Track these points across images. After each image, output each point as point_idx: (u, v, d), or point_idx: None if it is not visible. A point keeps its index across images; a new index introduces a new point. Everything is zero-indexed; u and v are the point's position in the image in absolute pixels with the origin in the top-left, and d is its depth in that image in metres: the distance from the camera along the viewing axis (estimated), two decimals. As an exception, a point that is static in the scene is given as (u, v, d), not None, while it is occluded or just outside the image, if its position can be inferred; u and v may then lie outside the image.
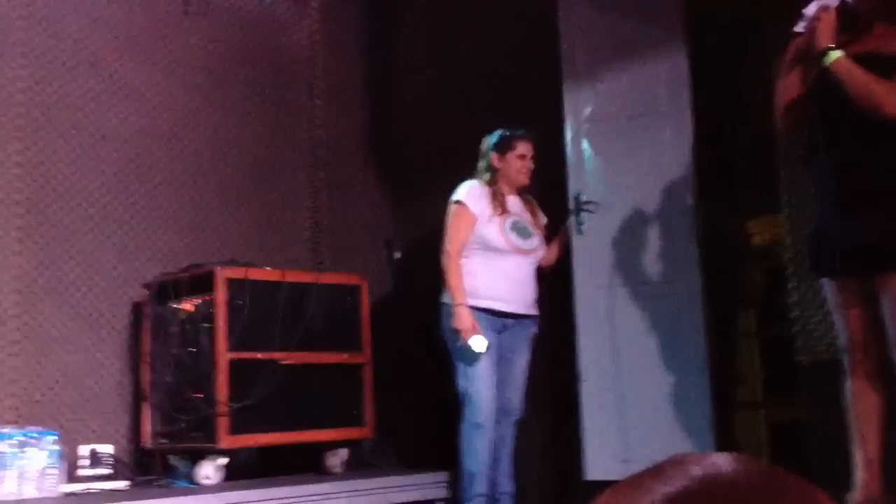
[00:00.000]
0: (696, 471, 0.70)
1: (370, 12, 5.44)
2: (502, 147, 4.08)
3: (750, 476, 0.70)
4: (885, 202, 2.88)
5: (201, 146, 4.87)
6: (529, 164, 4.09)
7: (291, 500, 3.83)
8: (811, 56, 3.00)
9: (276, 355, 4.15)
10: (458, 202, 4.03)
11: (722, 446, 4.08)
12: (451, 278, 3.94)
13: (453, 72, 5.00)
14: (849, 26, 2.98)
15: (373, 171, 5.34)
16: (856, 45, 2.96)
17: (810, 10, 3.00)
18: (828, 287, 3.16)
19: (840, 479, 3.12)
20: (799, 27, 3.03)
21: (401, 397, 4.76)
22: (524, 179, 4.10)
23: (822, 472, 3.47)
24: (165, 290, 4.24)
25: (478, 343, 3.85)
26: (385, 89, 5.36)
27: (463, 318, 3.87)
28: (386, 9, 5.42)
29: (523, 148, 4.08)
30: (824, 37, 2.92)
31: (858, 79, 2.87)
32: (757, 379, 5.01)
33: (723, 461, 0.71)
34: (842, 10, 2.98)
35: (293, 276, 4.35)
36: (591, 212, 4.29)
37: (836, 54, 2.89)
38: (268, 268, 4.38)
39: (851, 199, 2.94)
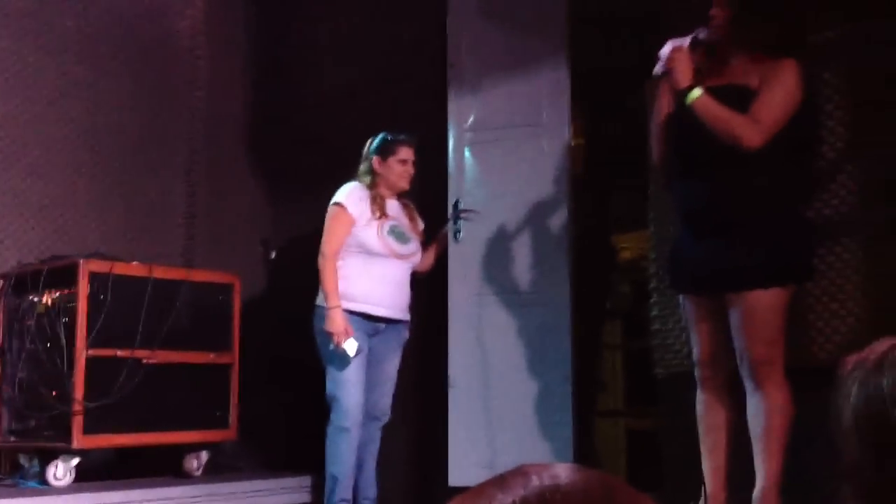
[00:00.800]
0: (536, 481, 0.72)
1: (259, 8, 5.36)
2: (384, 151, 4.08)
3: (586, 486, 0.72)
4: (735, 228, 3.02)
5: (73, 133, 4.69)
6: (410, 170, 4.10)
7: (146, 503, 3.73)
8: (673, 91, 3.13)
9: (139, 353, 4.03)
10: (337, 204, 4.01)
11: (582, 453, 4.18)
12: (326, 281, 3.91)
13: (340, 73, 4.97)
14: (707, 60, 3.10)
15: (253, 168, 5.25)
16: (715, 77, 3.09)
17: (665, 50, 3.11)
18: (683, 303, 3.28)
19: (692, 489, 3.24)
20: (657, 69, 3.13)
21: (269, 399, 4.69)
22: (404, 184, 4.11)
23: (675, 480, 3.60)
24: (23, 282, 4.07)
25: (350, 347, 3.83)
26: (270, 86, 5.29)
27: (336, 322, 3.86)
28: (275, 4, 5.35)
29: (405, 153, 4.08)
30: (682, 77, 3.02)
31: (718, 115, 2.99)
32: (619, 388, 5.17)
33: (562, 472, 0.73)
34: (698, 44, 3.10)
35: (161, 272, 4.23)
36: (468, 219, 4.33)
37: (695, 94, 3.01)
38: (136, 262, 4.26)
39: (705, 223, 3.07)
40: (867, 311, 3.17)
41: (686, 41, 3.09)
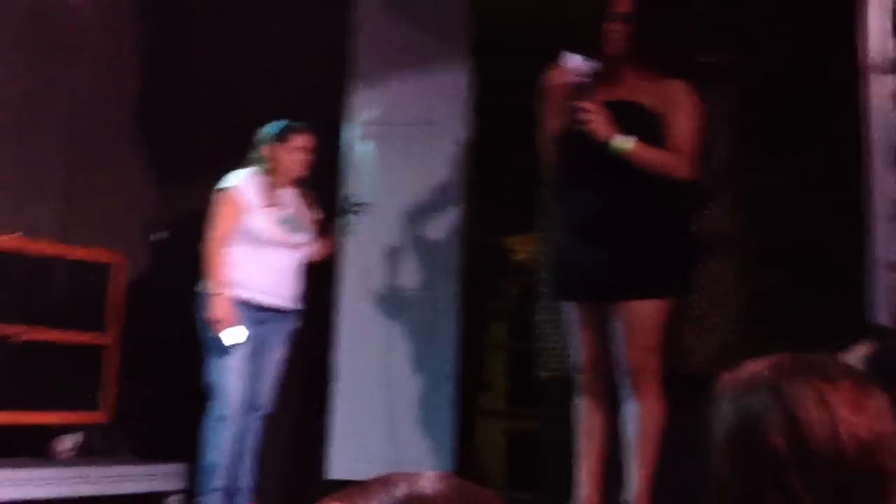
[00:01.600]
0: (399, 490, 0.71)
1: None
2: (279, 138, 4.01)
3: (449, 496, 0.71)
4: (623, 239, 3.08)
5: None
6: (306, 157, 4.03)
7: (6, 487, 3.57)
8: (567, 103, 3.17)
9: (9, 329, 3.86)
10: (226, 189, 3.92)
11: (461, 451, 4.21)
12: (210, 266, 3.82)
13: (237, 57, 4.86)
14: (604, 76, 3.16)
15: (141, 147, 5.09)
16: (605, 93, 3.14)
17: (568, 62, 3.14)
18: (565, 309, 3.33)
19: (568, 490, 3.29)
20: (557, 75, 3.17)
21: (148, 384, 4.56)
22: (300, 171, 4.04)
23: (552, 482, 3.66)
24: None
25: (234, 335, 3.75)
26: (163, 65, 5.14)
27: (220, 309, 3.77)
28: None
29: (301, 140, 4.02)
30: (603, 129, 3.04)
31: (652, 161, 3.05)
32: (502, 389, 5.23)
33: (428, 482, 0.73)
34: (599, 58, 3.16)
35: (36, 247, 4.07)
36: (358, 213, 4.30)
37: (627, 145, 3.03)
38: (8, 235, 4.07)
39: (593, 233, 3.13)
40: (741, 326, 3.29)
41: (577, 58, 3.14)
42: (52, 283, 4.04)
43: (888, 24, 2.76)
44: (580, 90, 3.13)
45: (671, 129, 3.08)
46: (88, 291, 4.21)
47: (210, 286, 3.80)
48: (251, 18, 4.90)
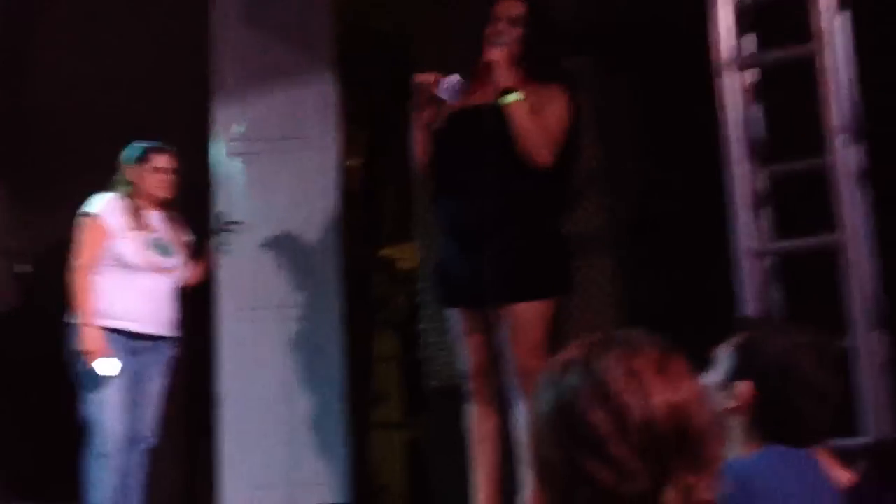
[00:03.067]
0: None
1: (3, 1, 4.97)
2: (138, 159, 3.89)
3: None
4: (502, 239, 3.08)
5: None
6: (167, 178, 3.92)
7: None
8: (429, 102, 3.18)
9: None
10: (89, 215, 3.77)
11: (357, 467, 4.15)
12: (79, 296, 3.68)
13: (97, 77, 4.69)
14: (481, 79, 3.17)
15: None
16: (480, 95, 3.17)
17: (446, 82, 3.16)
18: (451, 316, 3.32)
19: (463, 499, 3.27)
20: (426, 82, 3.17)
21: (20, 424, 4.35)
22: (162, 193, 3.92)
23: (444, 491, 3.64)
24: None
25: (106, 366, 3.61)
26: (17, 85, 4.91)
27: (90, 339, 3.63)
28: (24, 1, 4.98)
29: (160, 160, 3.91)
30: (505, 75, 3.07)
31: (529, 125, 3.07)
32: (397, 400, 5.19)
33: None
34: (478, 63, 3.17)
35: None
36: (233, 231, 4.20)
37: (516, 96, 3.06)
38: None
39: (469, 236, 3.13)
40: (620, 323, 3.33)
41: (454, 78, 3.16)
42: None
43: (733, 22, 2.85)
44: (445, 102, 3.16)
45: (541, 118, 3.10)
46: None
47: (79, 316, 3.65)
48: (110, 36, 4.74)
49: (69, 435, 3.76)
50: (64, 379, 3.75)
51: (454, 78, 3.19)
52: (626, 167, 3.41)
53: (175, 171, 3.93)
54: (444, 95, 3.18)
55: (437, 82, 3.18)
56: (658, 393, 1.03)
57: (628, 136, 3.41)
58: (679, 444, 1.02)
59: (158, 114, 4.43)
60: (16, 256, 4.66)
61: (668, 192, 3.31)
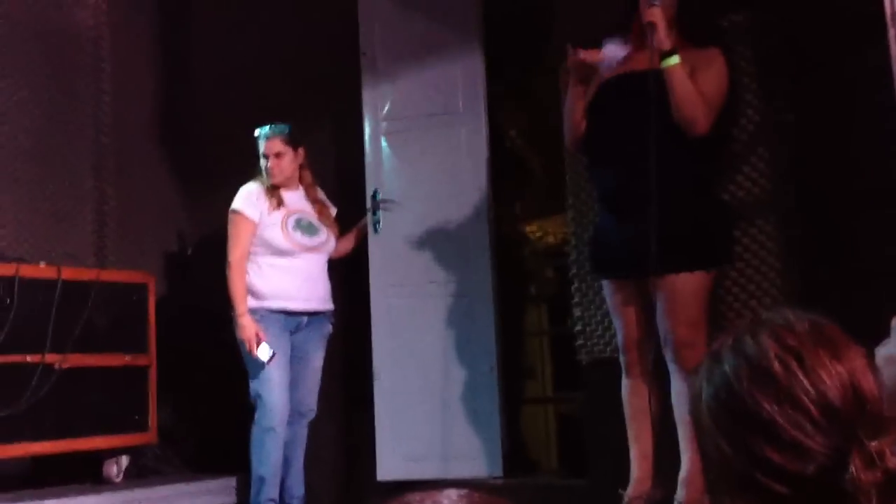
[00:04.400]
0: None
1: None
2: (257, 147, 4.04)
3: None
4: (661, 209, 3.00)
5: (-28, 133, 4.48)
6: (274, 163, 3.99)
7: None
8: (588, 76, 3.14)
9: (50, 358, 3.88)
10: (234, 211, 3.96)
11: (510, 442, 4.16)
12: (233, 289, 3.88)
13: (251, 65, 4.85)
14: (638, 45, 3.11)
15: (165, 163, 5.10)
16: (637, 62, 3.09)
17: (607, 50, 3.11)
18: (606, 288, 3.27)
19: (619, 474, 3.24)
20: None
21: (190, 400, 4.58)
22: (273, 179, 4.00)
23: (601, 467, 3.60)
24: (-75, 287, 3.88)
25: (263, 352, 3.79)
26: (179, 78, 5.14)
27: (245, 328, 3.82)
28: (179, -4, 5.19)
29: (264, 146, 4.03)
30: (665, 37, 3.00)
31: (689, 89, 3.00)
32: (547, 375, 5.16)
33: (445, 501, 0.70)
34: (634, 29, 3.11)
35: (71, 273, 4.08)
36: (387, 210, 4.27)
37: (675, 59, 2.99)
38: (43, 263, 4.09)
39: (628, 206, 3.07)
40: (783, 291, 3.21)
41: (614, 46, 3.10)
42: (87, 308, 4.04)
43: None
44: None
45: (697, 84, 3.02)
46: (125, 313, 4.22)
47: (234, 308, 3.82)
48: (261, 26, 4.88)
49: (236, 411, 3.92)
50: (230, 358, 3.93)
51: (613, 49, 3.13)
52: (787, 131, 3.26)
53: (280, 155, 3.99)
54: (604, 67, 3.13)
55: (600, 59, 3.13)
56: (822, 366, 0.99)
57: (789, 96, 3.26)
58: (855, 412, 0.98)
59: (310, 96, 4.54)
60: (188, 242, 4.88)
61: (828, 156, 3.14)
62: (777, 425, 0.97)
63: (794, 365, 0.99)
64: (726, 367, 1.02)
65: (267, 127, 4.04)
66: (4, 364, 3.74)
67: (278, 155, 4.00)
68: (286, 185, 4.03)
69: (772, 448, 0.97)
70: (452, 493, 0.71)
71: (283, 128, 4.03)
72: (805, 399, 0.97)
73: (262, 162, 4.02)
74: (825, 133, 3.18)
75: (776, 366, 0.99)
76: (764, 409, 0.98)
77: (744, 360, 1.01)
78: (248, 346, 3.80)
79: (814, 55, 3.22)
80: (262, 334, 3.81)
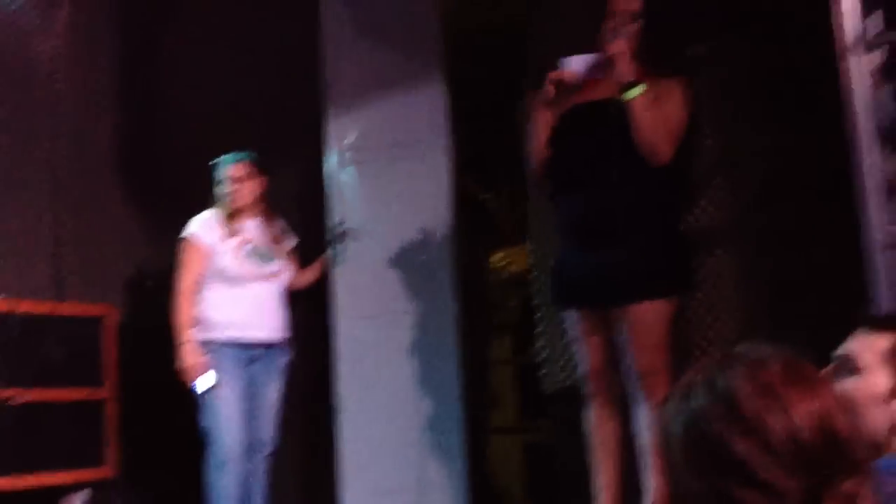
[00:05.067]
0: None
1: (125, 26, 5.15)
2: (217, 173, 4.02)
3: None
4: (624, 238, 3.02)
5: (-75, 163, 4.41)
6: (237, 187, 3.99)
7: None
8: (554, 103, 3.14)
9: (6, 393, 3.80)
10: (185, 238, 3.92)
11: (476, 471, 4.13)
12: (178, 315, 3.85)
13: (214, 93, 4.82)
14: (598, 73, 3.13)
15: (125, 193, 5.04)
16: (597, 91, 3.11)
17: (567, 65, 3.12)
18: (568, 318, 3.27)
19: (587, 503, 3.22)
20: (564, 70, 3.13)
21: (155, 434, 4.49)
22: (238, 202, 3.99)
23: (569, 496, 3.58)
24: None
25: (203, 382, 3.74)
26: (140, 106, 5.09)
27: (186, 357, 3.77)
28: (143, 23, 5.15)
29: (230, 170, 4.02)
30: (627, 69, 3.02)
31: (652, 120, 3.01)
32: (512, 404, 5.15)
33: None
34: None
35: (27, 307, 4.01)
36: (348, 240, 4.25)
37: (639, 90, 3.00)
38: (1, 296, 4.02)
39: (589, 236, 3.07)
40: (743, 320, 3.22)
41: (576, 59, 3.11)
42: (44, 342, 3.97)
43: (858, 3, 2.72)
44: (572, 90, 3.11)
45: (661, 116, 3.03)
46: (83, 346, 4.15)
47: (178, 335, 3.77)
48: (223, 54, 4.85)
49: (196, 444, 3.86)
50: (189, 391, 3.87)
51: (576, 60, 3.12)
52: (749, 159, 3.29)
53: (242, 179, 3.99)
54: (573, 78, 3.11)
55: (573, 79, 3.13)
56: (795, 404, 0.97)
57: (751, 125, 3.29)
58: (829, 452, 0.96)
59: (273, 128, 4.52)
60: (149, 271, 4.81)
61: (793, 185, 3.18)
62: (749, 466, 0.95)
63: (766, 404, 0.96)
64: (697, 405, 1.00)
65: (230, 154, 4.02)
66: (-41, 399, 3.65)
67: (240, 179, 3.99)
68: (245, 212, 4.00)
69: (743, 489, 0.95)
70: None
71: (247, 154, 4.03)
72: (777, 439, 0.95)
73: (223, 187, 3.98)
74: (789, 161, 3.22)
75: (748, 405, 0.97)
76: (735, 449, 0.96)
77: (715, 398, 0.99)
78: (189, 374, 3.76)
79: (777, 84, 3.26)
80: (203, 365, 3.77)
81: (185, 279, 3.87)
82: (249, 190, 4.00)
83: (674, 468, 1.02)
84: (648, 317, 3.03)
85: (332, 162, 4.36)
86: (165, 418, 4.41)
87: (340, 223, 4.28)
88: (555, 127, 3.20)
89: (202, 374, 3.75)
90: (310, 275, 4.24)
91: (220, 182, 4.02)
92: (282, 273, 4.04)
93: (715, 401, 0.99)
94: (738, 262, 3.29)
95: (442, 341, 4.13)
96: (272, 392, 3.97)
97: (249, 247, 3.96)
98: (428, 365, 4.14)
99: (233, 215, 3.97)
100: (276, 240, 4.07)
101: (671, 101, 3.08)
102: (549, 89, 3.14)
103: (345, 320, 4.23)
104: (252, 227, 4.02)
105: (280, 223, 4.14)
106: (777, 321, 3.09)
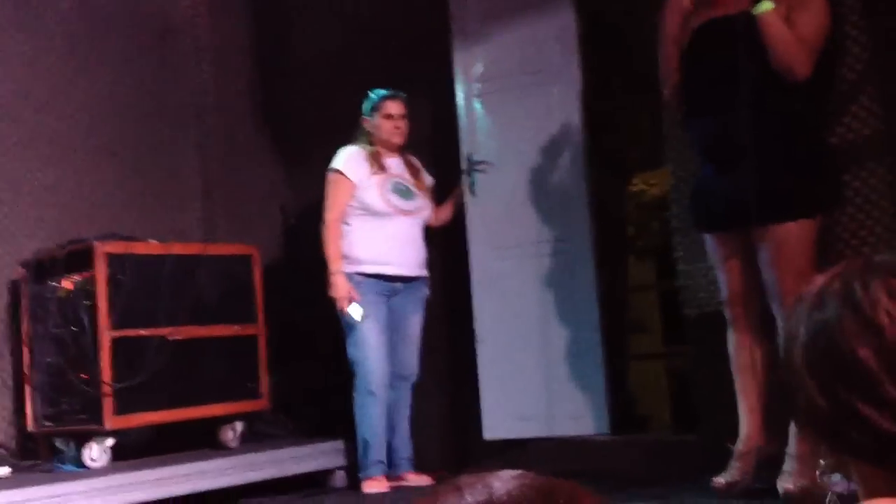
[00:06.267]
0: (471, 496, 0.68)
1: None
2: (372, 109, 4.06)
3: (521, 496, 0.67)
4: (758, 159, 2.90)
5: (78, 115, 4.65)
6: (399, 124, 4.03)
7: (182, 478, 3.74)
8: (684, 22, 3.04)
9: (163, 331, 4.02)
10: (334, 170, 3.99)
11: (616, 399, 4.12)
12: (328, 247, 3.92)
13: (343, 33, 4.86)
14: None
15: (264, 136, 5.19)
16: (737, 3, 2.96)
17: None
18: (709, 242, 3.18)
19: (728, 429, 3.16)
20: None
21: (298, 367, 4.67)
22: (397, 139, 4.05)
23: (710, 421, 3.53)
24: (43, 268, 4.07)
25: (354, 312, 3.83)
26: (274, 52, 5.20)
27: (338, 287, 3.86)
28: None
29: (391, 107, 4.03)
30: None
31: (784, 34, 2.88)
32: (656, 329, 5.07)
33: (498, 483, 0.68)
34: None
35: (179, 249, 4.22)
36: (483, 172, 4.25)
37: (768, 5, 2.87)
38: (153, 240, 4.23)
39: (727, 157, 2.98)
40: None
41: None
42: (197, 282, 4.16)
43: None
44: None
45: (795, 27, 2.88)
46: (233, 285, 4.33)
47: (329, 267, 3.86)
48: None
49: (348, 377, 3.99)
50: (333, 324, 3.99)
51: None
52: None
53: (405, 117, 4.02)
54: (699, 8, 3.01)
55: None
56: None
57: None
58: None
59: (402, 64, 4.53)
60: (291, 211, 4.96)
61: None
62: (876, 381, 0.90)
63: None
64: (829, 313, 0.95)
65: (387, 90, 4.04)
66: (120, 338, 3.89)
67: (402, 116, 4.03)
68: (389, 149, 4.05)
69: (870, 408, 0.91)
70: (506, 475, 0.69)
71: (402, 92, 4.05)
72: None
73: (374, 123, 4.01)
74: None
75: (882, 319, 0.91)
76: (866, 365, 0.91)
77: (850, 308, 0.94)
78: (339, 304, 3.84)
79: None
80: (354, 294, 3.85)
81: (332, 211, 3.95)
82: (407, 128, 4.04)
83: (795, 373, 0.98)
84: (791, 238, 2.92)
85: (461, 94, 4.34)
86: (313, 351, 4.58)
87: (471, 155, 4.27)
88: (686, 47, 3.08)
89: (351, 303, 3.83)
90: (447, 212, 4.26)
91: (371, 117, 4.04)
92: (423, 210, 4.08)
93: (849, 311, 0.94)
94: (888, 177, 3.10)
95: (579, 269, 4.10)
96: (414, 324, 4.06)
97: (392, 182, 4.01)
98: (565, 293, 4.12)
99: (378, 151, 4.01)
100: (417, 177, 4.10)
101: (808, 10, 2.91)
102: (671, 17, 3.03)
103: (480, 252, 4.26)
104: (395, 164, 4.07)
105: (417, 161, 4.16)
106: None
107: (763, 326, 3.08)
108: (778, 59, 2.87)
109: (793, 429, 2.96)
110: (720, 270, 3.18)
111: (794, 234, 2.93)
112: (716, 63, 3.00)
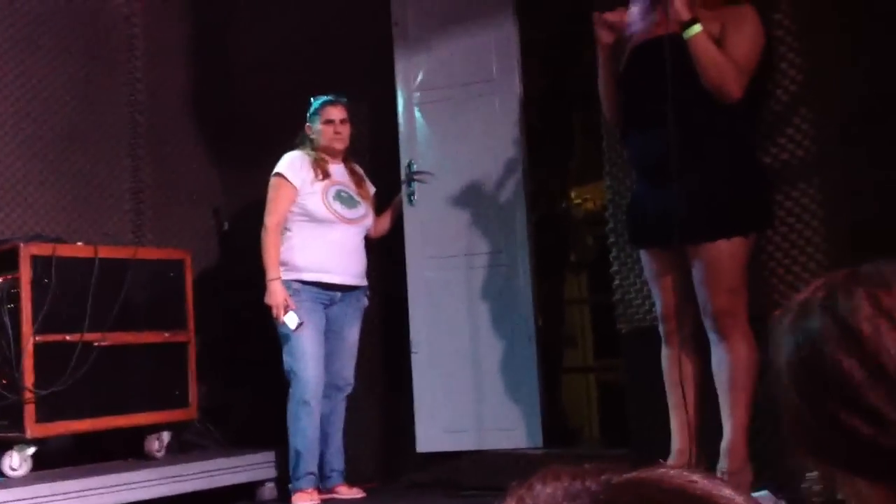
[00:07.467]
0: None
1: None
2: (313, 114, 4.02)
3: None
4: (693, 175, 2.94)
5: (7, 113, 4.51)
6: (340, 129, 4.00)
7: (107, 489, 3.63)
8: (619, 42, 3.09)
9: (90, 336, 3.90)
10: (277, 174, 3.93)
11: (550, 411, 4.13)
12: (266, 253, 3.87)
13: (285, 36, 4.80)
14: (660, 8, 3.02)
15: (199, 138, 5.09)
16: (667, 25, 3.00)
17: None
18: (643, 257, 3.21)
19: (660, 444, 3.18)
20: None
21: (229, 375, 4.59)
22: (338, 144, 4.02)
23: (642, 437, 3.55)
24: (-35, 269, 3.92)
25: (290, 320, 3.78)
26: (213, 52, 5.11)
27: (275, 294, 3.81)
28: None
29: (332, 112, 4.00)
30: (684, 9, 2.92)
31: (715, 57, 2.91)
32: (587, 343, 5.11)
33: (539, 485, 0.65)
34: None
35: (108, 252, 4.10)
36: (422, 182, 4.23)
37: (696, 29, 2.91)
38: (80, 243, 4.12)
39: (661, 174, 3.00)
40: (828, 256, 3.11)
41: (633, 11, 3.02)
42: (126, 287, 4.06)
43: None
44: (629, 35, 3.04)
45: (727, 47, 2.93)
46: (163, 290, 4.24)
47: (266, 273, 3.81)
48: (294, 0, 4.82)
49: (279, 386, 3.93)
50: (268, 331, 3.93)
51: (634, 11, 3.05)
52: (832, 88, 3.14)
53: (346, 122, 3.99)
54: (631, 30, 3.06)
55: (622, 21, 3.06)
56: None
57: (834, 51, 3.13)
58: None
59: (343, 69, 4.49)
60: (224, 215, 4.87)
61: (881, 112, 3.02)
62: (861, 393, 0.89)
63: (885, 329, 0.90)
64: (813, 324, 0.94)
65: (328, 95, 4.00)
66: (44, 343, 3.77)
67: (343, 121, 3.99)
68: (332, 155, 4.01)
69: (853, 416, 0.90)
70: (539, 477, 0.66)
71: (343, 97, 4.00)
72: (893, 368, 0.89)
73: (317, 128, 3.96)
74: (874, 92, 3.06)
75: (866, 329, 0.90)
76: (850, 374, 0.90)
77: (833, 318, 0.92)
78: (275, 312, 3.80)
79: (862, 8, 3.09)
80: (290, 302, 3.80)
81: (273, 216, 3.90)
82: (348, 132, 4.01)
83: (780, 385, 0.97)
84: (723, 255, 2.96)
85: (402, 102, 4.32)
86: (245, 359, 4.50)
87: (411, 164, 4.25)
88: (623, 67, 3.12)
89: (286, 311, 3.77)
90: (386, 222, 4.24)
91: (313, 122, 4.00)
92: (365, 218, 4.04)
93: (832, 321, 0.93)
94: (822, 198, 3.16)
95: (515, 281, 4.10)
96: (352, 334, 4.02)
97: (335, 189, 3.96)
98: (501, 305, 4.12)
99: (323, 158, 3.97)
100: (359, 185, 4.07)
101: (742, 30, 2.96)
102: (602, 33, 3.06)
103: (417, 262, 4.23)
104: (338, 170, 4.03)
105: (360, 169, 4.13)
106: (864, 259, 2.96)
107: (696, 342, 3.11)
108: (708, 79, 2.92)
109: (724, 445, 3.00)
110: (654, 286, 3.20)
111: (727, 252, 2.97)
112: (648, 82, 3.03)
